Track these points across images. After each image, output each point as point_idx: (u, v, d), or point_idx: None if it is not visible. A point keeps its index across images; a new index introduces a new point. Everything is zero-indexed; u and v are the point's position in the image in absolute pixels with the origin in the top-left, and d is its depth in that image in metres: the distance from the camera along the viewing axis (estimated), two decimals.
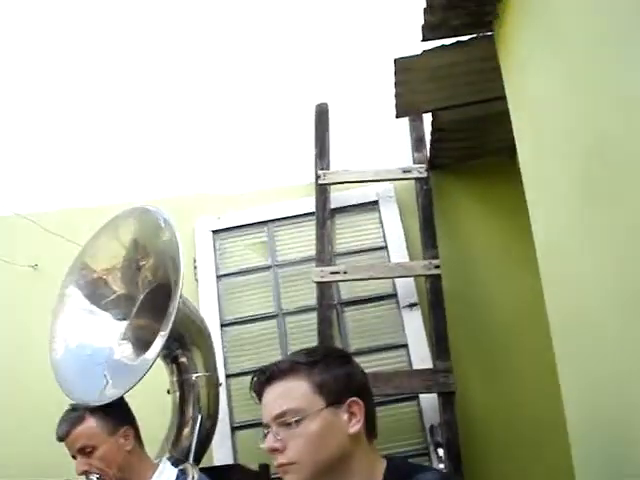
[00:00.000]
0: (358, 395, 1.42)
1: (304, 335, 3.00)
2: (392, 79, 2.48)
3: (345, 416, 1.40)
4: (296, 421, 1.38)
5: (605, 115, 1.41)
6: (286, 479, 1.41)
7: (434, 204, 3.09)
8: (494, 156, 3.05)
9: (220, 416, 2.59)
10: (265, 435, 1.43)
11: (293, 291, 3.13)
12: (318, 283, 2.94)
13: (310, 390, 1.41)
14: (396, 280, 3.06)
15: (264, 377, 1.45)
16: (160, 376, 2.50)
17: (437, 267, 2.91)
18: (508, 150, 2.23)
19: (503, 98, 2.11)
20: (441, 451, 2.65)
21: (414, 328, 2.97)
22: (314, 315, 2.96)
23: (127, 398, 2.28)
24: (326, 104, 3.36)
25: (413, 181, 3.18)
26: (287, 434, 1.39)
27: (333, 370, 1.44)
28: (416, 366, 2.88)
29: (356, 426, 1.40)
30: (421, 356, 2.90)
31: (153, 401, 2.54)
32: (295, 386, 1.42)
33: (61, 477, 2.76)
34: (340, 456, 1.39)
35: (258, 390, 1.47)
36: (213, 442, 2.60)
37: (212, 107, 3.51)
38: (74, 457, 2.18)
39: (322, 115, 3.35)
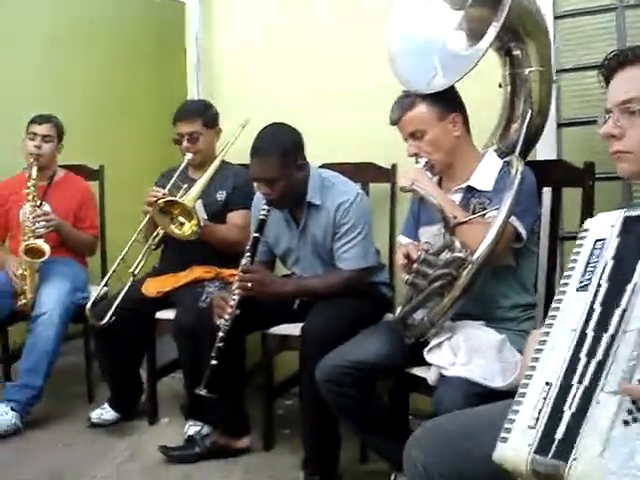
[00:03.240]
0: None
1: None
2: None
3: None
4: None
5: None
6: (618, 167, 1.39)
7: None
8: None
9: None
10: (605, 121, 1.39)
11: None
12: None
13: None
14: None
15: (616, 60, 1.37)
16: (493, 69, 2.48)
17: None
18: None
19: None
20: None
21: None
22: None
23: (459, 89, 2.31)
24: None
25: None
26: (629, 122, 1.34)
27: None
28: None
29: None
30: None
31: (484, 94, 2.54)
32: None
33: (391, 161, 2.99)
34: None
35: (607, 74, 1.40)
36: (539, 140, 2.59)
37: None
38: (406, 140, 2.32)
39: None
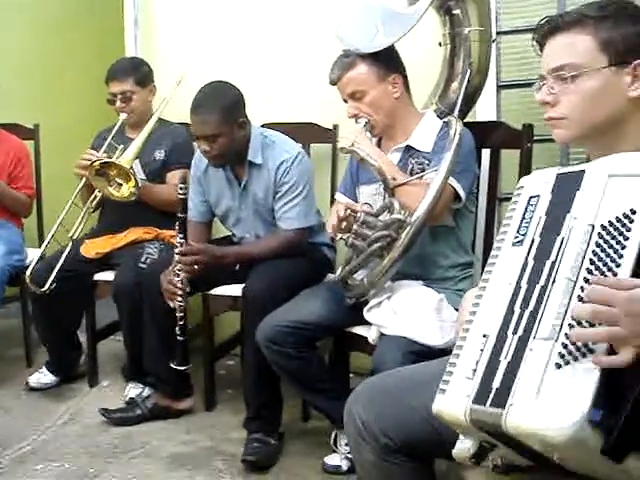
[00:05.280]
0: None
1: None
2: None
3: (628, 78, 1.32)
4: (573, 76, 1.33)
5: None
6: (554, 134, 1.41)
7: None
8: None
9: None
10: (539, 88, 1.40)
11: None
12: None
13: (594, 46, 1.33)
14: None
15: (547, 27, 1.38)
16: (432, 29, 2.47)
17: None
18: None
19: None
20: None
21: None
22: None
23: (398, 48, 2.31)
24: None
25: None
26: (562, 89, 1.35)
27: (624, 27, 1.32)
28: None
29: (638, 90, 1.31)
30: None
31: (423, 54, 2.55)
32: (578, 40, 1.34)
33: (332, 121, 2.98)
34: (613, 119, 1.34)
35: (540, 40, 1.41)
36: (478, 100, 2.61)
37: None
38: (345, 101, 2.32)
39: None
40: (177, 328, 2.51)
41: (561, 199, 1.23)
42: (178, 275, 2.49)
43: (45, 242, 3.00)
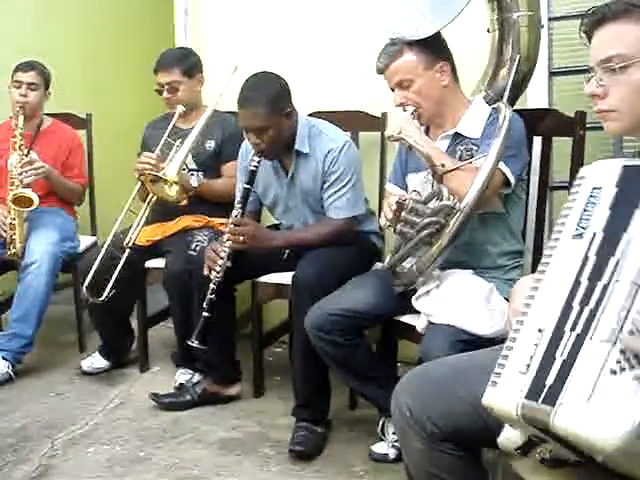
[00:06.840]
0: None
1: None
2: None
3: None
4: (621, 67, 1.31)
5: None
6: (605, 126, 1.38)
7: None
8: None
9: (538, 60, 2.51)
10: (589, 79, 1.38)
11: None
12: None
13: None
14: None
15: (594, 18, 1.35)
16: (479, 15, 2.44)
17: None
18: None
19: None
20: None
21: None
22: None
23: (446, 36, 2.28)
24: None
25: None
26: (611, 80, 1.33)
27: None
28: None
29: None
30: None
31: (471, 40, 2.52)
32: (627, 30, 1.31)
33: (381, 109, 2.96)
34: None
35: (588, 31, 1.38)
36: (528, 86, 2.57)
37: None
38: (392, 90, 2.30)
39: None
40: (205, 301, 2.52)
41: (630, 194, 1.17)
42: (225, 246, 2.53)
43: (100, 255, 2.91)
